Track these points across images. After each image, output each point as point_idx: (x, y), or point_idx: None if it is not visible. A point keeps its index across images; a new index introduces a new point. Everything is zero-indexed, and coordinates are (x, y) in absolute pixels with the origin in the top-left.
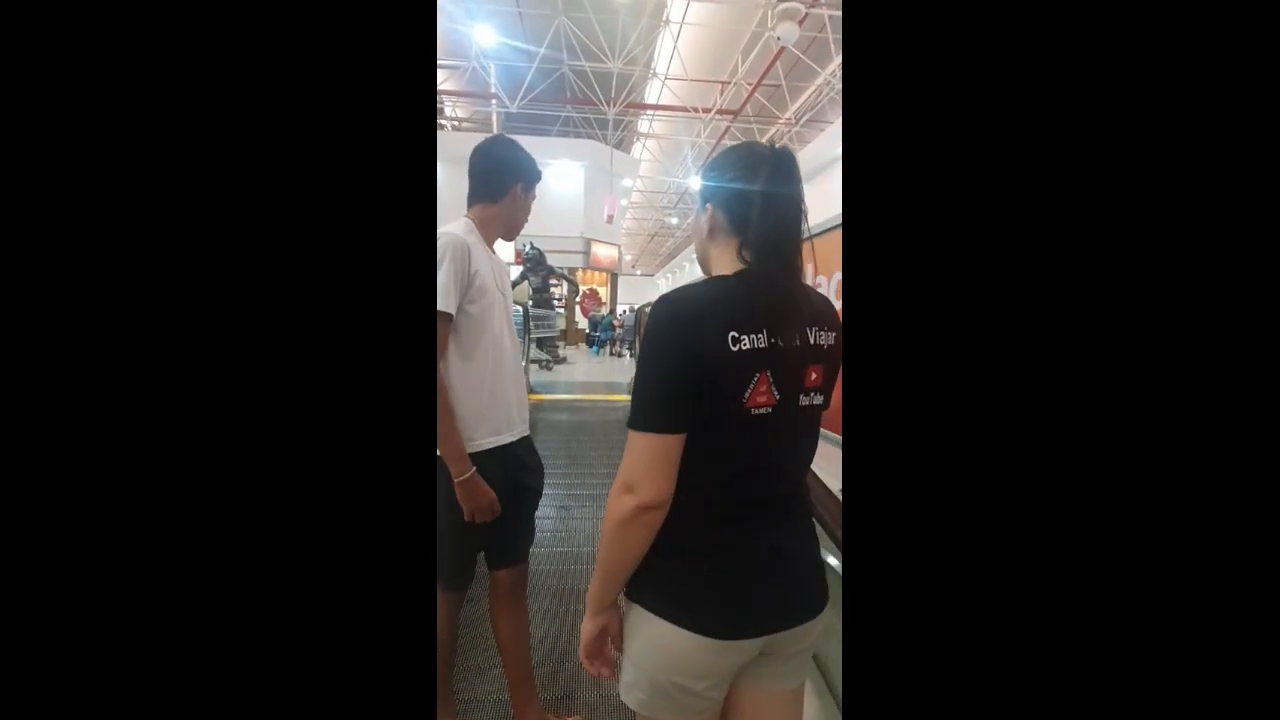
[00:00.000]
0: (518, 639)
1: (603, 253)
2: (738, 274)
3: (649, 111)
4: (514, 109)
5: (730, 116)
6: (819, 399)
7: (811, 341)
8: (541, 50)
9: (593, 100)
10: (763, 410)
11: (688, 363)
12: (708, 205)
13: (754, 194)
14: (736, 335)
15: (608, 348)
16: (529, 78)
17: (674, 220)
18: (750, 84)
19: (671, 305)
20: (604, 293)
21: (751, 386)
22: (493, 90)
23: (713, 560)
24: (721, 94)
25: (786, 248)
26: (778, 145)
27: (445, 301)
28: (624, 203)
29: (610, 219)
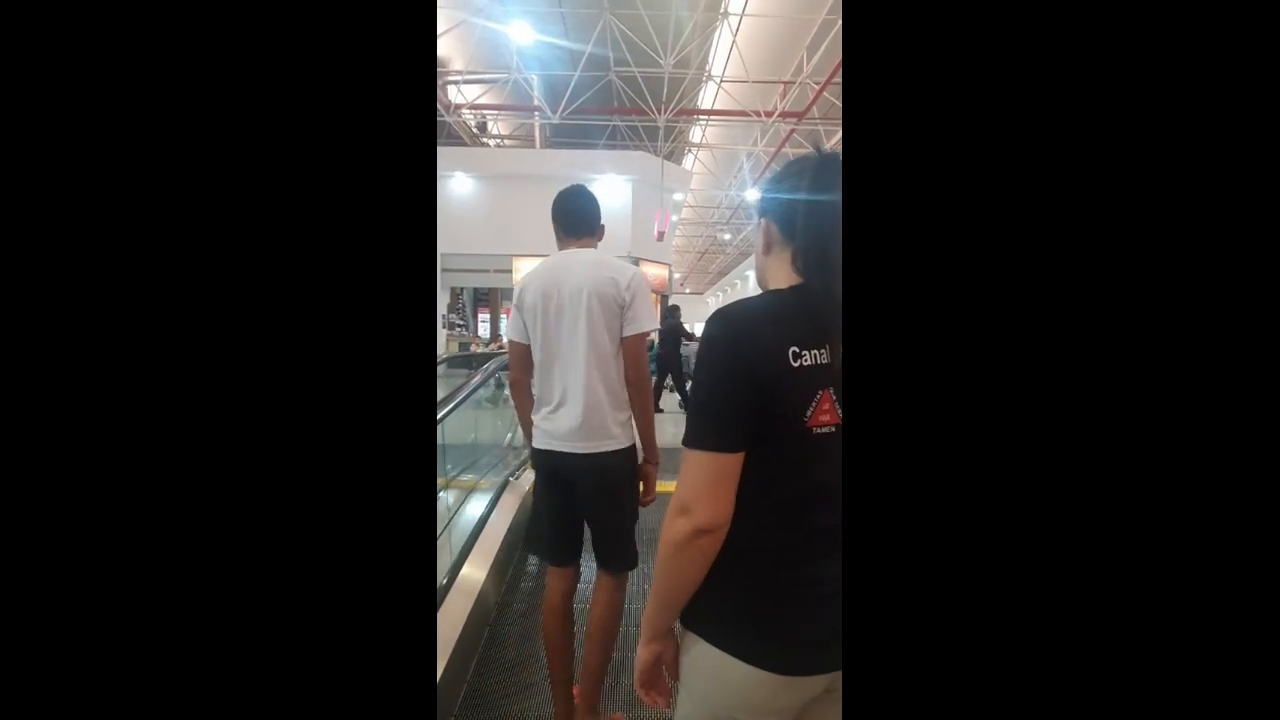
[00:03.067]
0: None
1: (652, 273)
2: (794, 288)
3: (703, 118)
4: (557, 120)
5: (795, 119)
6: None
7: None
8: (587, 50)
9: (642, 108)
10: (825, 430)
11: (745, 378)
12: (762, 219)
13: (800, 200)
14: (798, 350)
15: (653, 380)
16: (572, 84)
17: (727, 236)
18: (818, 83)
19: (728, 319)
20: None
21: (814, 405)
22: (536, 102)
23: (774, 590)
24: (784, 96)
25: (833, 252)
26: (827, 150)
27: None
28: (675, 218)
29: (661, 236)
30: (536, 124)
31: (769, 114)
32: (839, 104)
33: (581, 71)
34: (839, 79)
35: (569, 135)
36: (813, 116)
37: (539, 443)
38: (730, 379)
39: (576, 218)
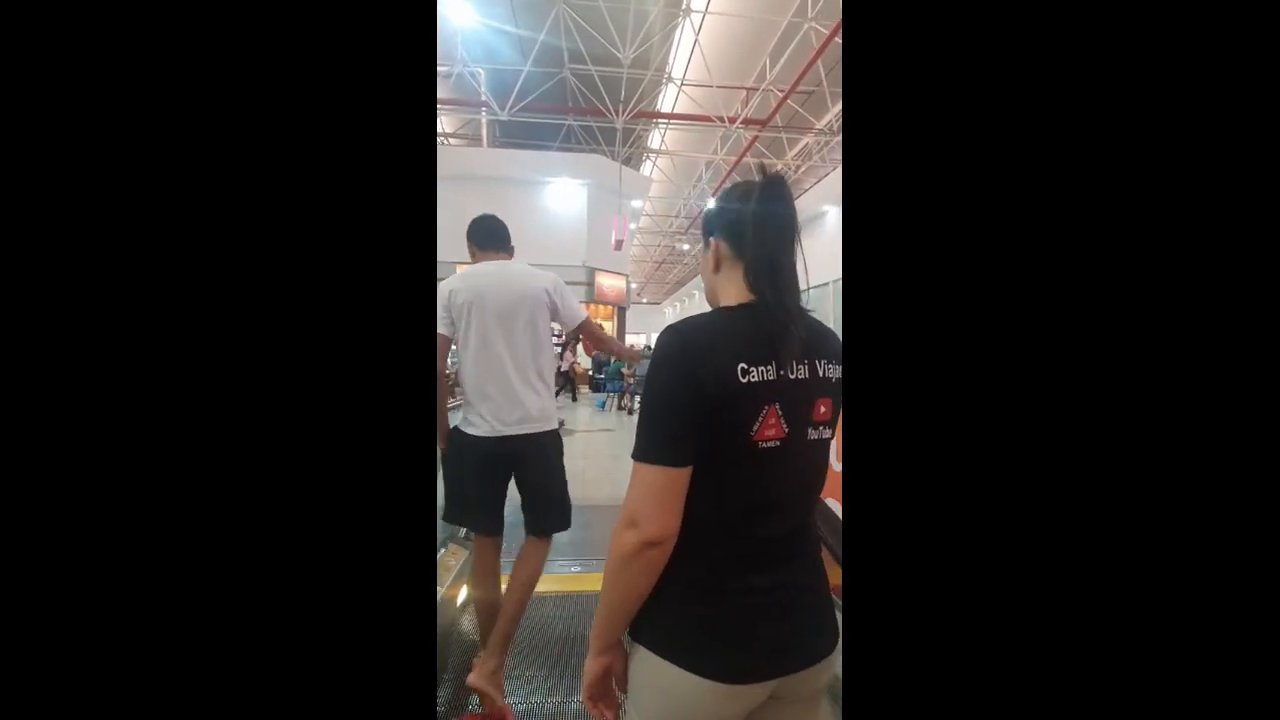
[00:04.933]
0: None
1: (609, 284)
2: (744, 305)
3: (662, 122)
4: (505, 116)
5: (758, 126)
6: (827, 433)
7: (820, 374)
8: (540, 38)
9: (599, 108)
10: (771, 444)
11: (695, 394)
12: (711, 239)
13: (749, 217)
14: (746, 366)
15: (615, 400)
16: (521, 80)
17: (685, 246)
18: (781, 90)
19: (680, 335)
20: (609, 328)
21: (760, 419)
22: (482, 97)
23: (720, 600)
24: (746, 103)
25: (784, 263)
26: (772, 168)
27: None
28: (633, 226)
29: (619, 245)
30: (483, 121)
31: (731, 120)
32: (802, 112)
33: (532, 66)
34: (803, 87)
35: (519, 135)
36: (775, 125)
37: (478, 430)
38: (681, 395)
39: (495, 234)
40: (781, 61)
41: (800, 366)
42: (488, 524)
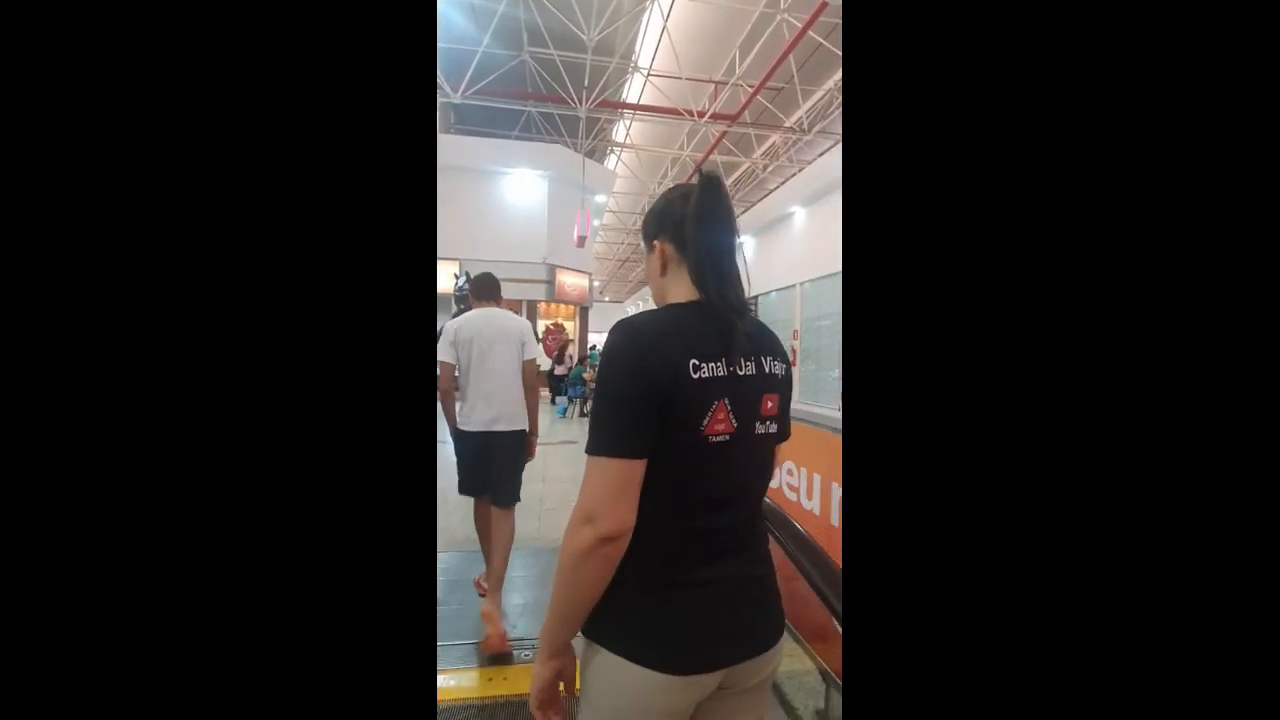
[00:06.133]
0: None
1: (570, 282)
2: (693, 302)
3: (628, 113)
4: (459, 99)
5: (727, 122)
6: (774, 428)
7: (767, 370)
8: (499, 8)
9: (561, 96)
10: (721, 438)
11: (648, 387)
12: (655, 243)
13: (692, 216)
14: (698, 362)
15: (577, 406)
16: (477, 60)
17: None
18: (751, 86)
19: (631, 329)
20: (570, 328)
21: (710, 414)
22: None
23: (670, 593)
24: (714, 98)
25: (727, 261)
26: (708, 171)
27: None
28: (596, 222)
29: (582, 241)
30: (437, 103)
31: (700, 114)
32: (771, 108)
33: (489, 46)
34: (773, 83)
35: (475, 121)
36: (744, 121)
37: (471, 427)
38: (632, 388)
39: (490, 290)
40: (752, 55)
41: (748, 363)
42: (483, 491)
